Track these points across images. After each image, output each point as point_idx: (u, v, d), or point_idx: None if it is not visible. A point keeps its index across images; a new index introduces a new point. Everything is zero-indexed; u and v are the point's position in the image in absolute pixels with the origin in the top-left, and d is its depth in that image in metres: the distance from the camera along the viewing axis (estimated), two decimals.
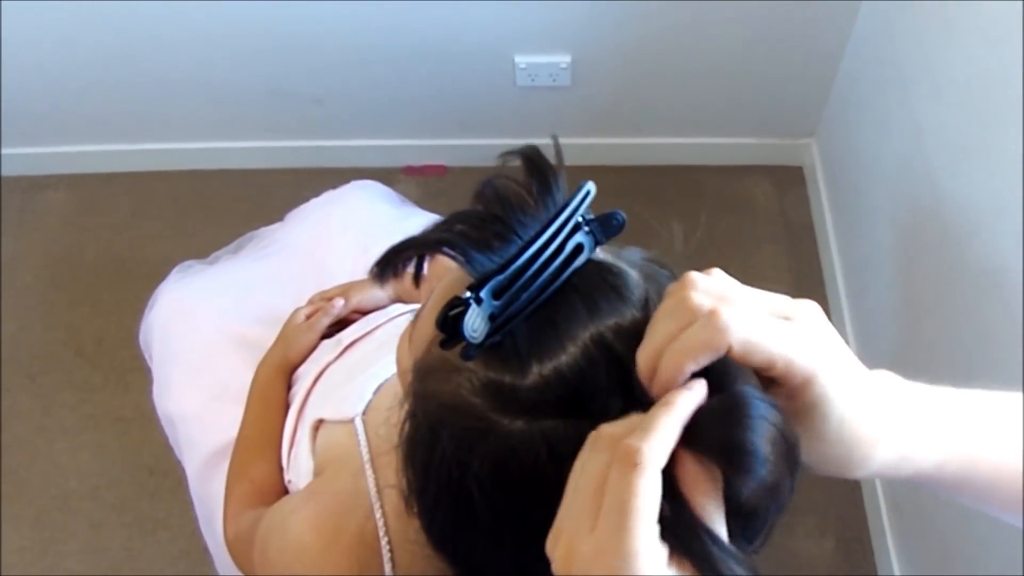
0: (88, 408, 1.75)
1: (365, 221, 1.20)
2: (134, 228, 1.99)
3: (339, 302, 1.04)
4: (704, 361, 0.39)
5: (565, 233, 0.44)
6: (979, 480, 0.45)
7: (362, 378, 0.82)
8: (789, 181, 2.02)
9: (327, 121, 1.96)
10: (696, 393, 0.39)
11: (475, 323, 0.42)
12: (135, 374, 1.72)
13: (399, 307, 1.03)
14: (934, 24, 1.35)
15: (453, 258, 0.45)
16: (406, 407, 0.49)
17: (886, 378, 0.44)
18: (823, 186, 1.92)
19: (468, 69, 1.81)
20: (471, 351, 0.43)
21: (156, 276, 1.28)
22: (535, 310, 0.44)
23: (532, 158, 0.47)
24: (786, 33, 1.71)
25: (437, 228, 0.46)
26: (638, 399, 0.42)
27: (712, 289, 0.41)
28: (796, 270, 1.90)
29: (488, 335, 0.42)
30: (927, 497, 1.34)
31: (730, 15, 1.67)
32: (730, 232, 1.94)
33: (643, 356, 0.41)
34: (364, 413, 0.77)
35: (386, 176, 1.50)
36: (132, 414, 1.72)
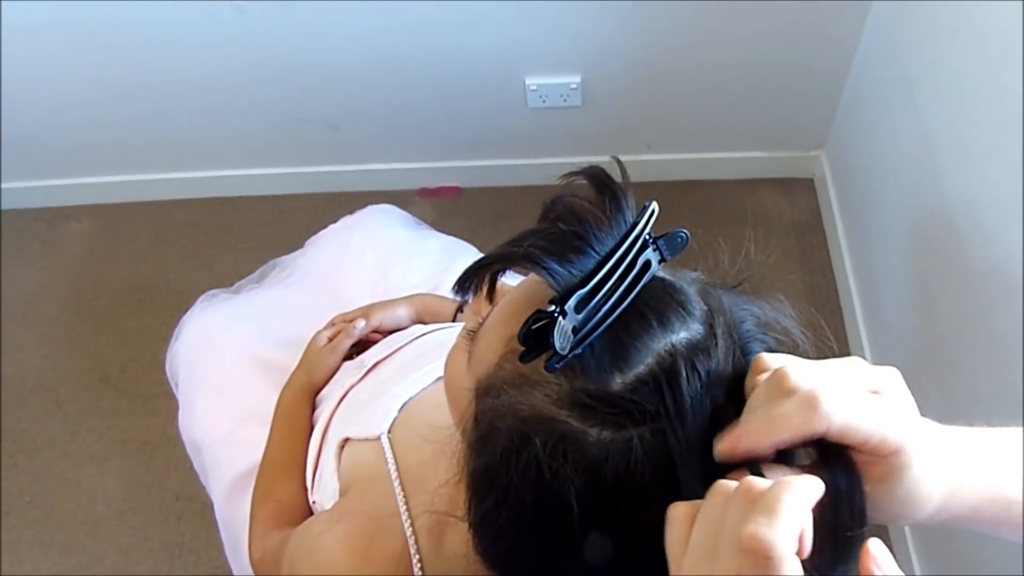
0: (114, 434, 1.78)
1: (383, 245, 1.22)
2: (156, 256, 2.02)
3: (360, 323, 1.06)
4: (796, 440, 0.40)
5: (636, 249, 0.46)
6: (1014, 517, 0.45)
7: (386, 397, 0.83)
8: (800, 192, 2.03)
9: (343, 146, 1.99)
10: (817, 485, 0.38)
11: (563, 335, 0.43)
12: (160, 399, 1.75)
13: (420, 328, 1.04)
14: (939, 34, 1.36)
15: (537, 272, 0.45)
16: (472, 425, 0.50)
17: (941, 431, 0.44)
18: (833, 196, 1.93)
19: (480, 92, 1.83)
20: (556, 363, 0.43)
21: (178, 303, 1.30)
22: (611, 323, 0.45)
23: (600, 177, 0.48)
24: (793, 47, 1.73)
25: (514, 243, 0.47)
26: (719, 407, 0.44)
27: (807, 371, 0.41)
28: (809, 281, 1.90)
29: (572, 347, 0.44)
30: None
31: (738, 31, 1.69)
32: (742, 244, 1.94)
33: (746, 436, 0.42)
34: (390, 431, 0.78)
35: (401, 199, 1.52)
36: (158, 439, 1.75)
